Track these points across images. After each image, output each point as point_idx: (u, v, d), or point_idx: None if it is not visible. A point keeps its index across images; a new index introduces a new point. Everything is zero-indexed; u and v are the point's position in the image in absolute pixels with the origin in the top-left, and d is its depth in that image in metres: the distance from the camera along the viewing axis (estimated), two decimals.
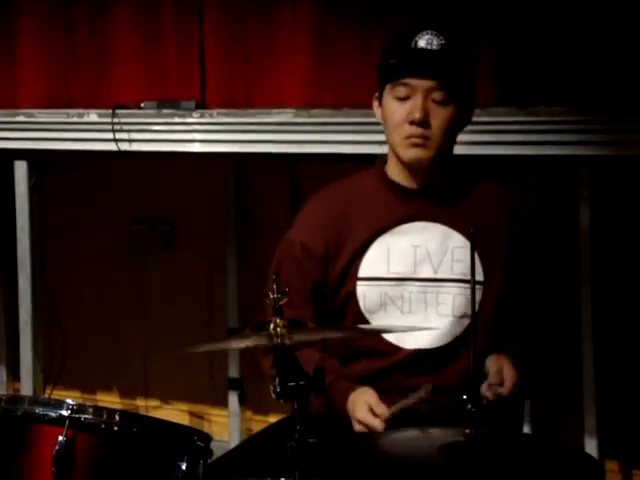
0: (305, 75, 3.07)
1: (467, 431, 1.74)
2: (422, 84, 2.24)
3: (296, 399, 1.82)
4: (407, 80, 2.25)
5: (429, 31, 2.24)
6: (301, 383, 1.82)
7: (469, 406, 1.75)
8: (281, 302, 1.88)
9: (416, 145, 2.26)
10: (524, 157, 2.92)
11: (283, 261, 2.39)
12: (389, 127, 2.30)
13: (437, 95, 2.24)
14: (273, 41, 3.13)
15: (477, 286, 2.24)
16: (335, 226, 2.36)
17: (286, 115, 3.07)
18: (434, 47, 2.23)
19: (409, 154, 2.28)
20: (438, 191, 2.32)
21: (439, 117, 2.25)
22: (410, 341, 2.27)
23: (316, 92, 3.06)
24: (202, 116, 3.20)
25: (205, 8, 3.24)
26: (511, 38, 2.82)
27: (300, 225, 2.42)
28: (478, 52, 2.80)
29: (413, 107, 2.24)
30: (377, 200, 2.36)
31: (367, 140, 2.87)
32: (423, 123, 2.24)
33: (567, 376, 3.17)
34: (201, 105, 3.24)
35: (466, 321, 2.25)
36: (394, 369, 2.28)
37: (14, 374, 4.03)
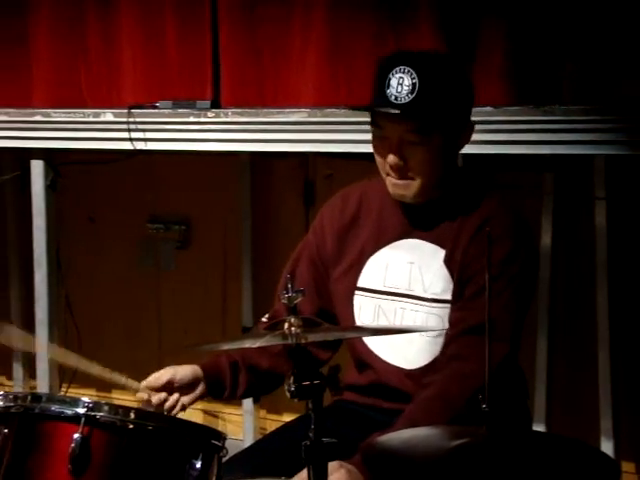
0: (319, 74, 3.07)
1: (482, 430, 1.73)
2: (393, 128, 2.20)
3: (311, 398, 1.82)
4: (381, 123, 2.22)
5: (402, 67, 2.16)
6: (315, 382, 1.82)
7: (484, 406, 1.75)
8: (296, 301, 1.88)
9: (396, 185, 2.24)
10: (540, 157, 2.91)
11: (297, 257, 2.43)
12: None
13: (410, 137, 2.19)
14: (287, 40, 3.13)
15: (445, 305, 2.23)
16: (342, 229, 2.36)
17: (300, 114, 3.07)
18: (404, 89, 2.15)
19: (391, 191, 2.27)
20: (434, 208, 2.27)
21: (417, 157, 2.20)
22: (397, 359, 2.27)
23: (330, 91, 3.06)
24: (217, 115, 3.20)
25: (219, 8, 3.24)
26: (526, 37, 2.81)
27: (314, 225, 2.45)
28: (492, 52, 2.82)
29: (389, 149, 2.21)
30: (383, 210, 2.34)
31: None
32: (398, 166, 2.21)
33: (583, 377, 3.16)
34: (216, 105, 3.25)
35: (441, 340, 2.22)
36: (379, 386, 2.28)
37: (30, 372, 4.05)
